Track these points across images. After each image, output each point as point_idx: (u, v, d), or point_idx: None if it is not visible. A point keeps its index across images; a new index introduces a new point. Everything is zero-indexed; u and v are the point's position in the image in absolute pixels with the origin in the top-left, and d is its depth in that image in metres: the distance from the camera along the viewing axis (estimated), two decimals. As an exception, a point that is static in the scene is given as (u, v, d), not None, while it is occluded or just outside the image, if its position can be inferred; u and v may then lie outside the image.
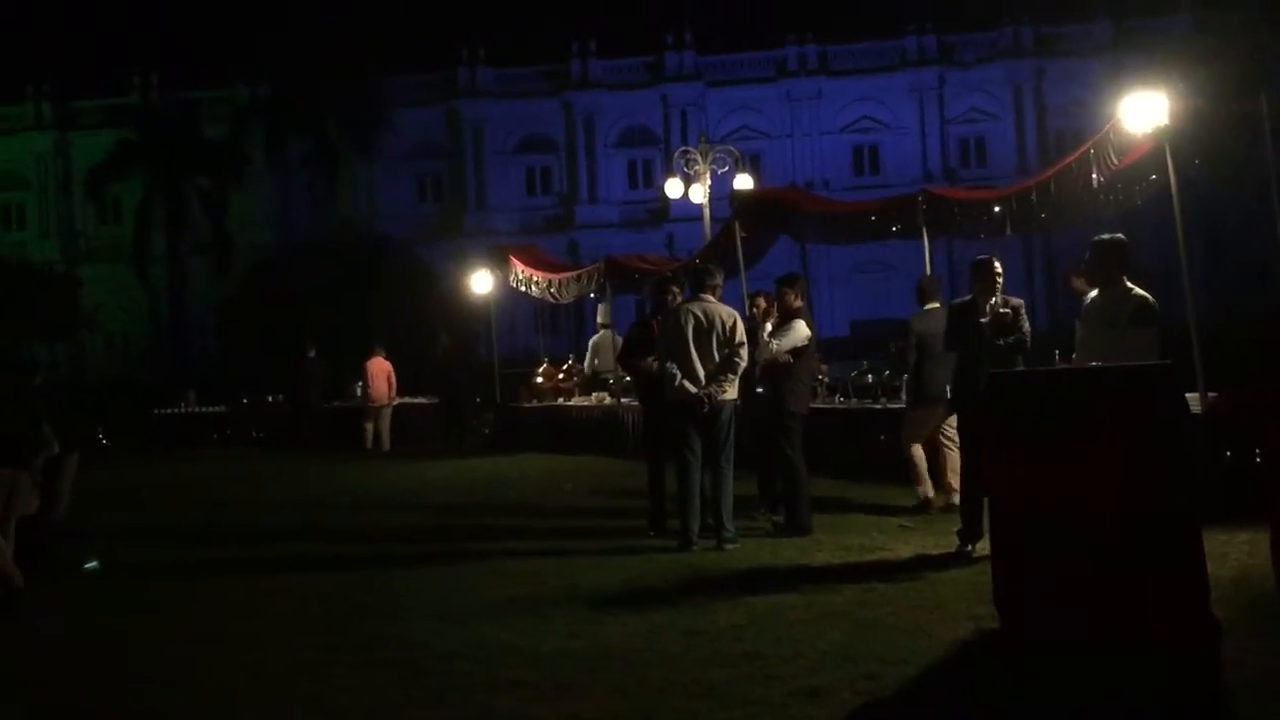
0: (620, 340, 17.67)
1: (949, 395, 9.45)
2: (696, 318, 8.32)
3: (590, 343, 18.53)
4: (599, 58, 45.21)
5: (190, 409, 24.26)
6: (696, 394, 8.19)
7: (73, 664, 5.94)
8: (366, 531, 10.28)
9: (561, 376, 19.01)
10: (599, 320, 18.39)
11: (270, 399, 23.19)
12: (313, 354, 21.11)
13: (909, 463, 9.70)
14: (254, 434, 22.15)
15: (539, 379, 19.31)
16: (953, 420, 9.21)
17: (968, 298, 7.80)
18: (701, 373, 8.23)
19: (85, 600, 7.57)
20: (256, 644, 6.06)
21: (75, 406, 16.79)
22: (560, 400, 18.43)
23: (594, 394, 17.72)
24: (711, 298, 8.51)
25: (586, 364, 18.15)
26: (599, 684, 5.00)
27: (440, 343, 16.94)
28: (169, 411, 24.29)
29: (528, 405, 19.21)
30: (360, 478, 15.41)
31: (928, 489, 9.54)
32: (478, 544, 9.02)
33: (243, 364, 30.02)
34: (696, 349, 8.25)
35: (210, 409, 24.00)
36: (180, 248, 39.29)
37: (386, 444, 20.18)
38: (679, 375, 8.23)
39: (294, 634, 6.26)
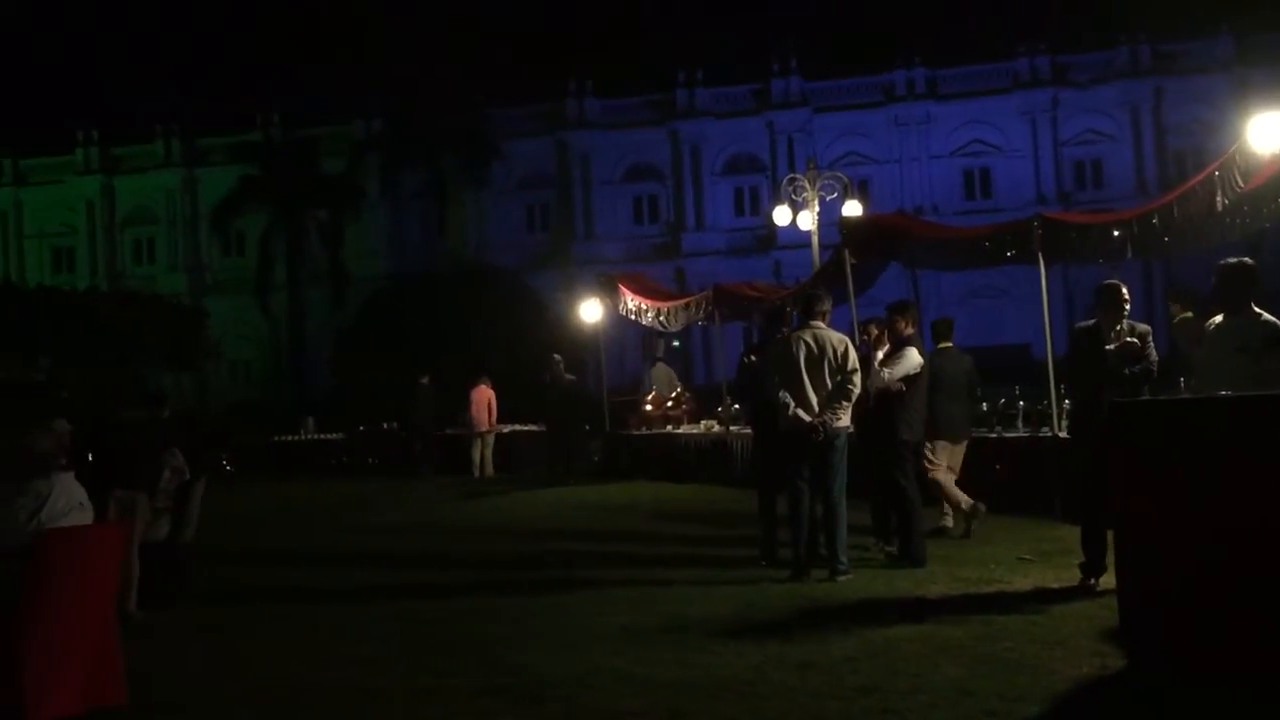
0: (674, 373, 19.65)
1: (959, 430, 10.03)
2: (807, 345, 8.24)
3: (649, 374, 20.01)
4: (705, 86, 45.42)
5: (309, 436, 24.88)
6: (810, 422, 8.12)
7: (194, 686, 6.11)
8: (478, 558, 10.42)
9: (670, 404, 19.04)
10: (654, 354, 20.34)
11: (385, 426, 23.69)
12: (426, 381, 21.57)
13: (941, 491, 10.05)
14: (369, 460, 22.62)
15: (647, 406, 19.37)
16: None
17: (1090, 322, 7.59)
18: (815, 400, 8.16)
19: (210, 623, 7.79)
20: (373, 668, 6.17)
21: (201, 434, 17.38)
22: (669, 428, 18.46)
23: (703, 422, 17.76)
24: (822, 324, 8.44)
25: (647, 393, 19.62)
26: (713, 715, 4.99)
27: (552, 369, 17.13)
28: (289, 438, 24.94)
29: (636, 433, 19.28)
30: (471, 504, 15.62)
31: (948, 519, 10.05)
32: (588, 571, 9.07)
33: (358, 391, 30.72)
34: (808, 377, 8.17)
35: (328, 436, 24.59)
36: (299, 278, 40.55)
37: (490, 470, 20.46)
38: (792, 404, 8.17)
39: (410, 659, 6.36)
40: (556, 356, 17.77)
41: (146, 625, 7.41)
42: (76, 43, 65.81)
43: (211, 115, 46.50)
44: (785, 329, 9.03)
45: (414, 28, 54.07)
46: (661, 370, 19.99)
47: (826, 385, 8.17)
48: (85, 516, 6.22)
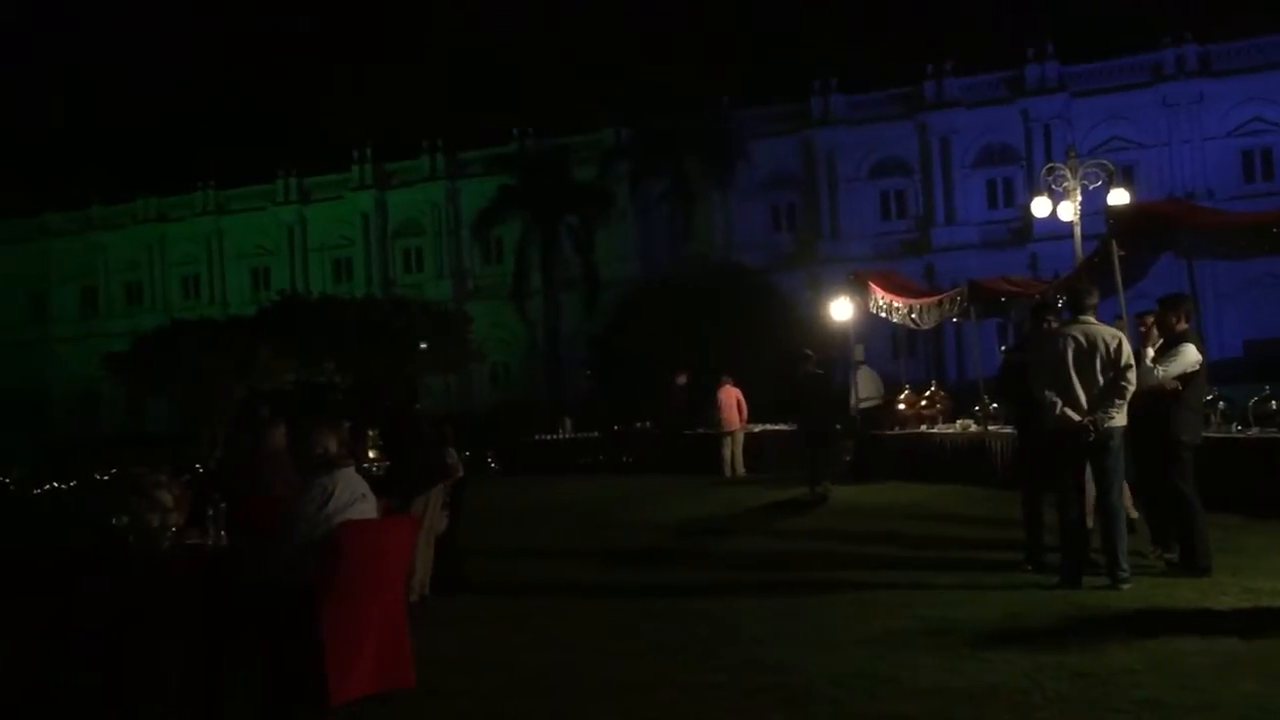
0: (877, 376, 19.96)
1: None
2: (1077, 341, 7.86)
3: (853, 378, 19.99)
4: (954, 76, 44.10)
5: (567, 435, 25.72)
6: (1080, 422, 7.76)
7: (473, 673, 6.43)
8: (734, 556, 10.53)
9: (924, 403, 18.61)
10: (856, 358, 20.25)
11: (639, 425, 24.20)
12: (683, 381, 21.87)
13: None
14: (624, 459, 23.13)
15: (900, 405, 19.00)
16: None
17: None
18: (1084, 399, 7.79)
19: (483, 614, 8.19)
20: (637, 663, 6.35)
21: (468, 434, 18.27)
22: (923, 427, 18.05)
23: (959, 421, 17.29)
24: (1092, 318, 8.04)
25: (852, 398, 19.75)
26: (984, 722, 4.89)
27: (803, 365, 16.36)
28: (548, 437, 25.86)
29: (889, 433, 18.95)
30: (724, 503, 15.73)
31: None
32: (844, 572, 9.01)
33: (612, 392, 31.52)
34: (1078, 374, 7.78)
35: (584, 435, 25.33)
36: (554, 283, 42.04)
37: (741, 469, 20.56)
38: (1059, 403, 7.83)
39: (671, 655, 6.50)
40: (808, 352, 17.16)
41: (431, 614, 7.88)
42: (353, 63, 70.54)
43: (471, 129, 48.87)
44: (1050, 322, 8.62)
45: (658, 33, 55.12)
46: (866, 374, 20.08)
47: (1097, 382, 7.76)
48: (369, 508, 6.66)
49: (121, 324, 49.10)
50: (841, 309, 19.85)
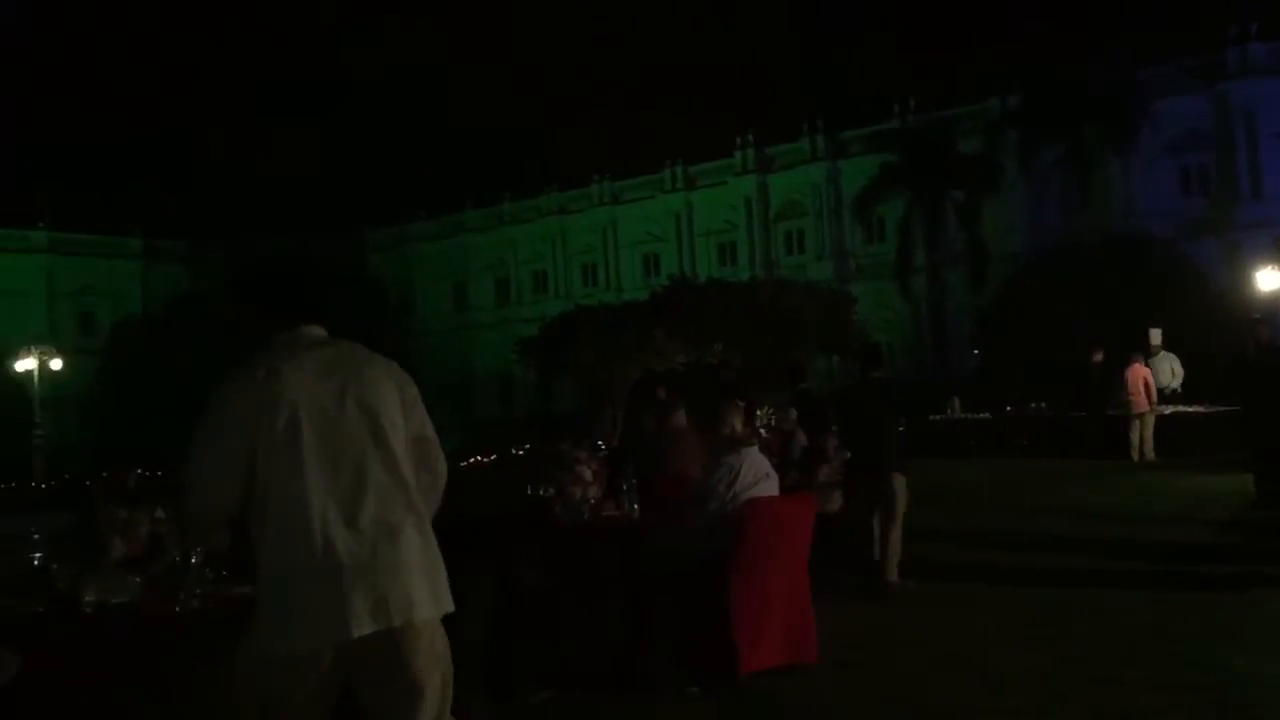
0: (1175, 359, 19.25)
1: None
2: None
3: (1152, 363, 19.44)
4: None
5: (955, 415, 24.99)
6: None
7: (875, 653, 6.47)
8: (1152, 545, 9.86)
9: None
10: (1153, 343, 19.76)
11: (1033, 406, 23.13)
12: (1099, 359, 20.75)
13: None
14: (1021, 442, 22.16)
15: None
16: None
17: None
18: None
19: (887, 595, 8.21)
20: (1049, 653, 6.16)
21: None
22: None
23: None
24: None
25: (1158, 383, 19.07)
26: None
27: (1256, 335, 13.69)
28: (935, 418, 25.22)
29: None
30: (1137, 489, 14.68)
31: None
32: (1282, 569, 8.23)
33: (1003, 370, 30.33)
34: None
35: (973, 415, 24.51)
36: (938, 260, 40.94)
37: (1151, 454, 19.17)
38: None
39: (1086, 647, 6.26)
40: (1257, 317, 14.59)
41: (834, 592, 7.98)
42: (734, 50, 72.38)
43: (852, 109, 48.60)
44: None
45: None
46: (1163, 359, 19.46)
47: None
48: (771, 486, 6.85)
49: (530, 310, 53.02)
50: (1269, 279, 18.04)
